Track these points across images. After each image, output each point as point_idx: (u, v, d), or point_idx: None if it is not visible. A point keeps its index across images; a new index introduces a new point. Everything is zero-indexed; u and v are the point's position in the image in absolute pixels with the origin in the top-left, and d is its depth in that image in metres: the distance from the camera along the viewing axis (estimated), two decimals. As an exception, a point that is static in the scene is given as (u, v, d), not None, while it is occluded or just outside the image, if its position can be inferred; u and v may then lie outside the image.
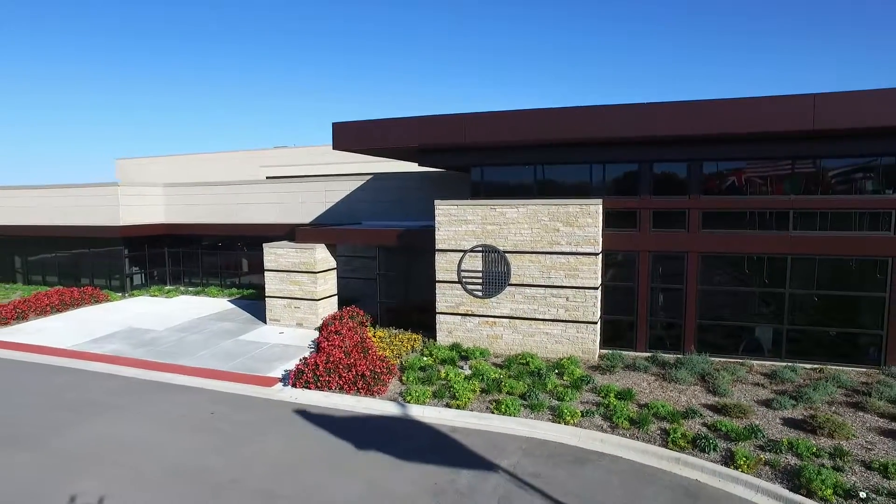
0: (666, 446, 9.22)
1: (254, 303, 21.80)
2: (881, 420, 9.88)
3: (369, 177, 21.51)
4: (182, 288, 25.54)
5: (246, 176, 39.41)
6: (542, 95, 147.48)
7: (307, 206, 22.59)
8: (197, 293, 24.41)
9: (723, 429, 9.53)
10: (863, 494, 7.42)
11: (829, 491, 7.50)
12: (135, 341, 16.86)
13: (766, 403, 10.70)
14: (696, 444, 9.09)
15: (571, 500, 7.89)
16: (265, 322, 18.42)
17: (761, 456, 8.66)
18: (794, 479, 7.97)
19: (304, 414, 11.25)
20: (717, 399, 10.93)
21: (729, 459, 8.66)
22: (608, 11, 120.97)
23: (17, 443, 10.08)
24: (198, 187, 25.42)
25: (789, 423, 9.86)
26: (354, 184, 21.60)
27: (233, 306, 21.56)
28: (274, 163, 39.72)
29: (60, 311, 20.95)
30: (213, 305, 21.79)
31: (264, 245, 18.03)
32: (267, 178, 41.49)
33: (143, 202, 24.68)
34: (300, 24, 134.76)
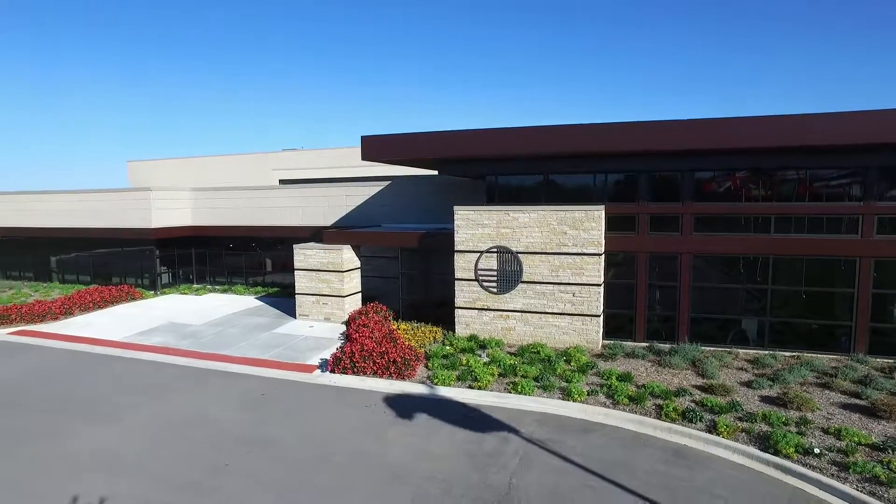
0: (660, 418, 10.85)
1: (280, 300, 23.45)
2: (842, 396, 11.52)
3: (387, 182, 23.14)
4: (209, 286, 27.19)
5: (257, 178, 41.30)
6: (543, 97, 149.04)
7: (328, 210, 24.21)
8: (224, 291, 26.06)
9: (708, 404, 11.17)
10: (817, 450, 9.06)
11: (791, 449, 9.14)
12: (177, 334, 18.50)
13: (747, 384, 12.35)
14: (685, 417, 10.73)
15: (579, 459, 9.53)
16: (295, 317, 20.06)
17: (739, 425, 10.29)
18: (764, 442, 9.61)
19: (345, 394, 12.91)
20: (704, 381, 12.57)
21: (712, 428, 10.29)
22: (608, 12, 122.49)
23: (103, 418, 11.71)
24: (224, 191, 27.05)
25: (765, 399, 11.51)
26: (373, 189, 23.23)
27: (261, 303, 23.20)
28: (285, 166, 41.49)
29: (101, 308, 22.59)
30: (241, 302, 23.44)
31: (294, 246, 19.67)
32: (280, 181, 43.24)
33: (172, 206, 26.33)
34: (303, 24, 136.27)
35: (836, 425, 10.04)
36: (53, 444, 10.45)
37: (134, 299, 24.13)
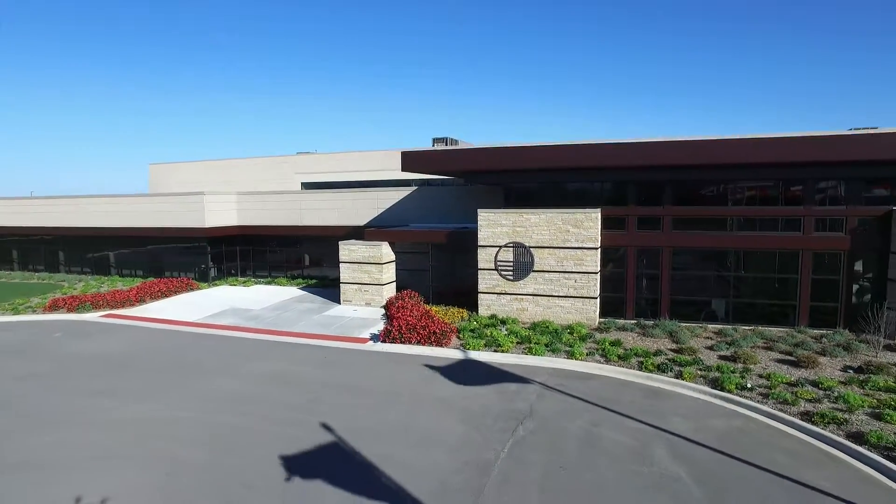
0: (640, 370, 14.41)
1: (320, 289, 27.04)
2: (779, 355, 15.10)
3: (414, 188, 26.69)
4: (252, 279, 30.77)
5: (278, 180, 45.27)
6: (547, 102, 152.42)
7: (362, 211, 27.75)
8: (268, 283, 29.65)
9: (678, 361, 14.73)
10: (749, 385, 12.65)
11: (733, 386, 12.71)
12: (242, 317, 22.06)
13: (710, 348, 15.91)
14: (660, 368, 14.29)
15: (581, 395, 13.09)
16: (339, 303, 23.63)
17: (699, 373, 13.86)
18: (715, 383, 13.16)
19: (395, 357, 16.48)
20: (677, 346, 16.13)
21: (679, 376, 13.84)
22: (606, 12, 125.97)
23: (215, 374, 15.27)
24: (266, 195, 30.64)
25: (721, 357, 15.08)
26: (402, 193, 26.79)
27: (304, 292, 26.77)
28: (305, 169, 45.41)
29: (167, 296, 26.15)
30: (287, 292, 27.02)
31: (340, 243, 23.24)
32: (302, 184, 46.96)
33: (221, 208, 29.90)
34: (315, 25, 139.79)
35: (768, 372, 13.63)
36: (186, 389, 14.02)
37: (192, 289, 27.71)
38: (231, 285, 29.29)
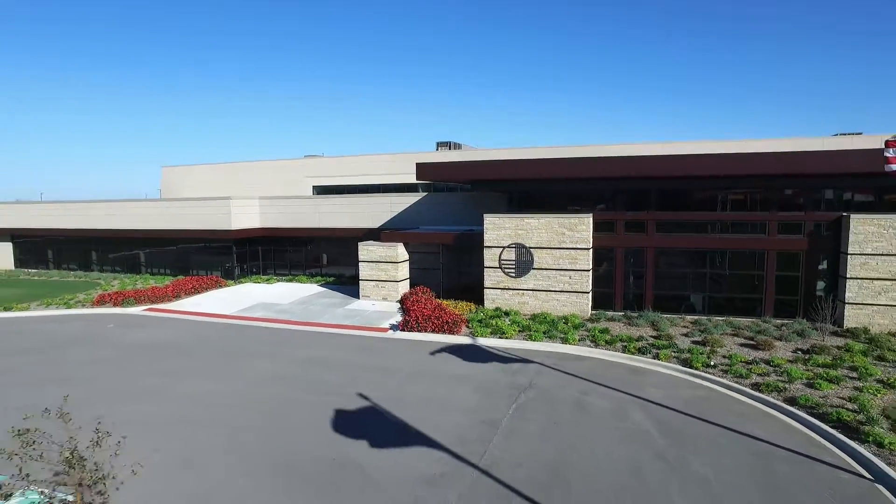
0: (624, 353, 16.95)
1: (339, 286, 29.59)
2: (743, 340, 17.67)
3: (424, 193, 29.23)
4: (275, 277, 33.32)
5: (289, 183, 47.98)
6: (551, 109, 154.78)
7: (376, 215, 30.28)
8: (289, 280, 32.21)
9: (656, 345, 17.28)
10: (713, 363, 15.22)
11: (699, 364, 15.26)
12: (272, 311, 24.60)
13: (685, 335, 18.47)
14: (641, 351, 16.84)
15: (574, 372, 15.62)
16: (358, 298, 26.16)
17: (672, 355, 16.40)
18: (685, 363, 15.71)
19: (414, 344, 19.03)
20: (657, 333, 18.69)
21: (656, 357, 16.39)
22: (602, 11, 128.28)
23: (259, 358, 17.80)
24: (286, 199, 33.18)
25: (694, 342, 17.62)
26: (413, 198, 29.33)
27: (324, 289, 29.33)
28: (315, 173, 47.96)
29: (199, 293, 28.70)
30: (308, 288, 29.57)
31: (359, 244, 25.77)
32: (313, 187, 49.52)
33: (246, 212, 32.44)
34: (317, 27, 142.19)
35: (731, 353, 16.19)
36: (236, 370, 16.57)
37: (221, 286, 30.26)
38: (255, 283, 31.83)
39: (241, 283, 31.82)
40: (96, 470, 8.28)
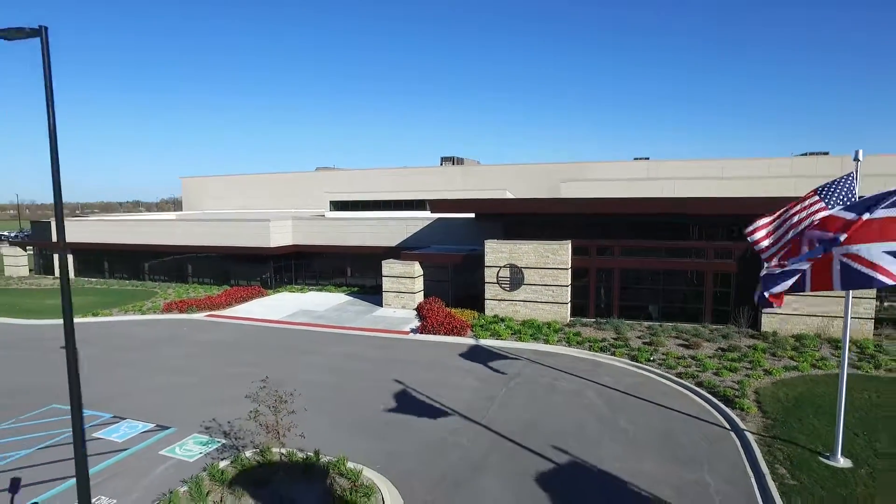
0: (590, 351, 22.47)
1: (364, 296, 35.15)
2: (681, 341, 23.18)
3: (434, 217, 34.76)
4: (306, 287, 38.88)
5: (296, 193, 53.77)
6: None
7: (393, 235, 35.81)
8: (319, 290, 37.77)
9: (615, 345, 22.80)
10: (653, 358, 20.76)
11: (643, 359, 20.80)
12: (311, 317, 30.15)
13: (639, 337, 23.99)
14: (602, 350, 22.37)
15: (552, 365, 21.13)
16: (381, 306, 31.70)
17: (625, 352, 21.93)
18: (633, 358, 21.23)
19: (429, 343, 24.56)
20: (617, 336, 24.21)
21: (613, 354, 21.89)
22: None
23: (309, 354, 23.34)
24: (315, 220, 38.75)
25: (644, 343, 23.13)
26: (424, 222, 34.87)
27: (351, 298, 34.88)
28: (325, 185, 53.85)
29: (246, 301, 34.24)
30: (337, 298, 35.12)
31: (383, 261, 31.31)
32: (331, 202, 55.29)
33: (281, 230, 38.00)
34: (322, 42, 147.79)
35: (668, 351, 21.74)
36: (295, 362, 22.10)
37: (262, 296, 35.82)
38: (290, 292, 37.40)
39: (279, 292, 37.38)
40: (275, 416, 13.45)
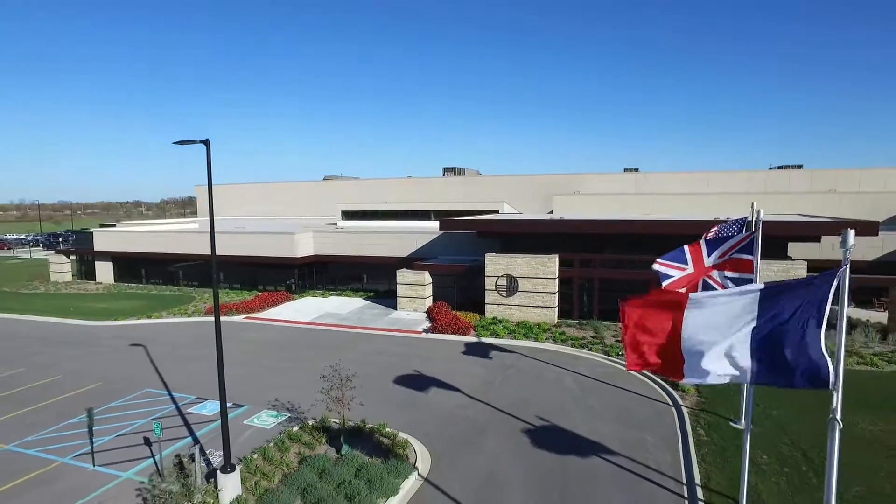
0: (572, 347, 27.38)
1: (379, 300, 40.04)
2: (647, 339, 28.16)
3: (441, 232, 39.65)
4: (327, 292, 43.78)
5: (304, 201, 58.82)
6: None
7: (404, 247, 40.70)
8: (338, 295, 42.67)
9: (592, 342, 27.71)
10: (622, 353, 25.71)
11: (614, 353, 25.71)
12: (336, 318, 35.02)
13: (613, 336, 28.91)
14: (582, 346, 27.29)
15: (541, 358, 26.04)
16: (395, 309, 36.58)
17: (600, 348, 26.84)
18: (606, 353, 26.15)
19: (439, 341, 29.46)
20: (595, 335, 29.13)
21: (590, 349, 26.81)
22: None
23: (341, 350, 28.24)
24: (333, 233, 43.64)
25: (616, 340, 28.03)
26: (431, 236, 39.77)
27: (368, 302, 39.77)
28: (333, 194, 58.96)
29: (276, 305, 39.07)
30: (356, 302, 40.00)
31: (398, 271, 36.19)
32: (342, 212, 60.15)
33: (304, 242, 42.87)
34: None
35: (634, 346, 26.71)
36: (331, 356, 26.91)
37: (290, 300, 40.69)
38: (313, 297, 42.29)
39: (303, 296, 42.26)
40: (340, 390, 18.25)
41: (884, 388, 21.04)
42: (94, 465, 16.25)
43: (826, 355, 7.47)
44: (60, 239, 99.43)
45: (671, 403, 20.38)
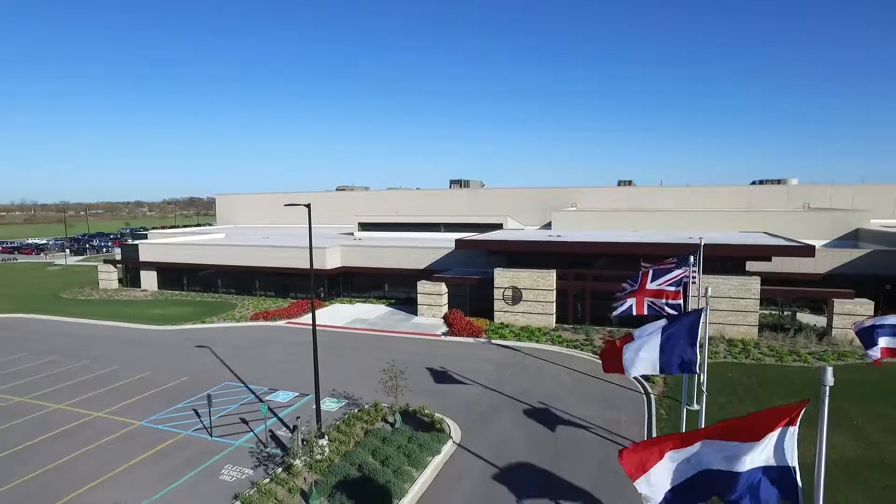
0: (567, 348, 33.13)
1: (401, 306, 45.81)
2: (629, 341, 34.03)
3: (452, 248, 45.40)
4: (353, 299, 49.51)
5: (318, 209, 64.51)
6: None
7: (421, 259, 46.45)
8: (363, 302, 48.41)
9: (584, 343, 33.47)
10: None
11: (594, 347, 31.53)
12: (365, 323, 40.74)
13: (601, 338, 34.67)
14: (575, 346, 33.04)
15: (542, 356, 31.79)
16: (416, 315, 42.29)
17: (591, 348, 32.60)
18: (594, 353, 31.89)
19: (456, 343, 35.22)
20: (587, 337, 34.88)
21: (582, 350, 32.56)
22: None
23: (375, 349, 33.98)
24: (357, 247, 49.40)
25: (604, 342, 33.82)
26: (445, 251, 45.54)
27: (391, 309, 45.52)
28: (348, 205, 64.79)
29: (309, 311, 44.74)
30: (380, 308, 45.74)
31: (417, 283, 41.90)
32: (359, 223, 65.91)
33: (332, 255, 48.61)
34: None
35: (618, 347, 32.56)
36: (369, 355, 32.67)
37: (322, 307, 46.42)
38: (341, 304, 48.04)
39: (332, 303, 48.00)
40: (396, 382, 24.00)
41: (811, 378, 26.82)
42: (211, 436, 22.00)
43: (696, 353, 13.25)
44: (88, 245, 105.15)
45: (643, 392, 26.14)
